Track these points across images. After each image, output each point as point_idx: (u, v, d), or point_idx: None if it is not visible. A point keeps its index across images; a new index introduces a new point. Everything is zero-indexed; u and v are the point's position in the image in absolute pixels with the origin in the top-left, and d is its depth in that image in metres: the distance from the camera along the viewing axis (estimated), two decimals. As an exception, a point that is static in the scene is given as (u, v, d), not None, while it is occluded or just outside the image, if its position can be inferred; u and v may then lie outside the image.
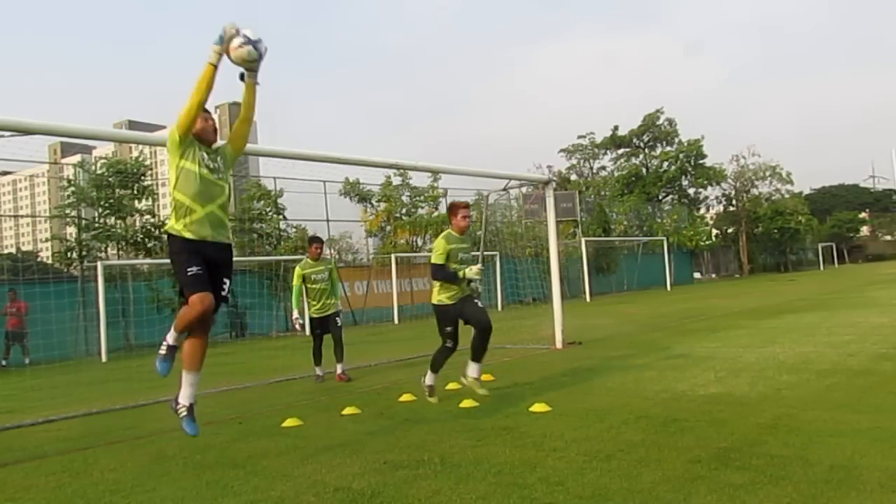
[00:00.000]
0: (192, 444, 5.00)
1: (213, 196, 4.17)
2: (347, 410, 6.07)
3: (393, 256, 24.41)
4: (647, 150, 51.31)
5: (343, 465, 4.27)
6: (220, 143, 4.48)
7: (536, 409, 5.48)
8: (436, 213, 30.31)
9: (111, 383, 10.78)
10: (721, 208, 53.71)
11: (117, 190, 20.86)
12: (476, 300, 6.27)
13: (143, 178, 21.49)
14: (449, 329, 6.16)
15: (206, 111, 4.24)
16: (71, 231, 22.96)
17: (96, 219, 21.30)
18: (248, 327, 20.71)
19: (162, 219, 21.20)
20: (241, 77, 4.19)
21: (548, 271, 11.64)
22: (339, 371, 8.34)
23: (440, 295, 6.21)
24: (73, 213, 21.56)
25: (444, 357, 6.27)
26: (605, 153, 52.79)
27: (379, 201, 29.76)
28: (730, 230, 53.08)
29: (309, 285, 8.46)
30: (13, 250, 69.31)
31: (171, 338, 4.21)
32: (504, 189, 12.75)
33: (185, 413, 4.17)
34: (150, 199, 21.71)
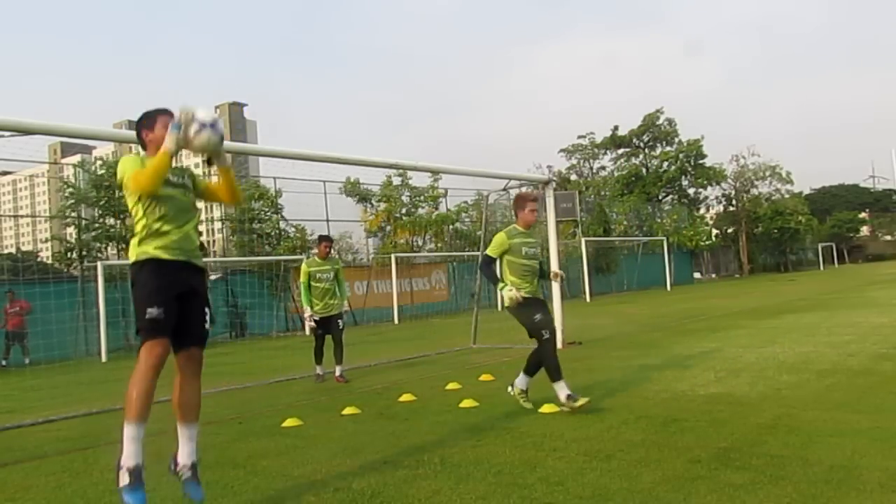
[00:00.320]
0: (192, 444, 5.00)
1: (188, 216, 3.60)
2: (347, 410, 6.06)
3: (393, 256, 24.40)
4: (647, 150, 51.30)
5: (343, 465, 4.27)
6: (184, 164, 3.92)
7: (544, 409, 5.48)
8: (436, 213, 30.33)
9: (111, 383, 10.77)
10: (721, 208, 53.73)
11: (116, 190, 20.87)
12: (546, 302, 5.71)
13: None
14: (538, 317, 5.46)
15: (171, 118, 3.57)
16: (70, 232, 22.97)
17: (96, 219, 21.33)
18: (248, 327, 20.71)
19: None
20: (208, 162, 3.66)
21: (548, 271, 11.64)
22: (337, 373, 8.34)
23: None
24: (73, 213, 21.59)
25: (553, 353, 5.45)
26: (605, 153, 52.81)
27: (379, 201, 29.78)
28: (730, 230, 53.09)
29: (313, 283, 8.37)
30: (13, 250, 69.29)
31: (128, 453, 3.35)
32: (504, 189, 12.75)
33: (188, 475, 3.53)
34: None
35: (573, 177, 49.42)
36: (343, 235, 32.39)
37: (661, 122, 50.29)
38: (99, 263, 16.82)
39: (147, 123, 3.63)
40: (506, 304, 5.58)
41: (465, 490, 3.58)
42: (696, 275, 45.28)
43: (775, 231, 51.00)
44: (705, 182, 49.61)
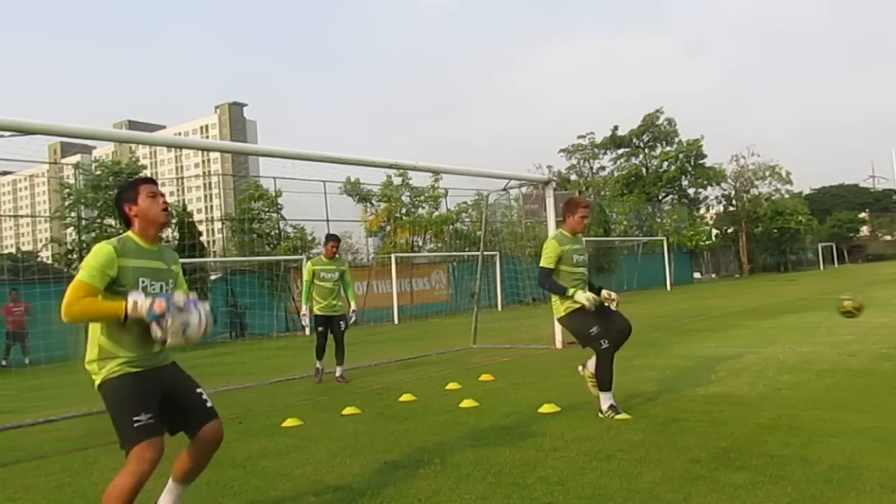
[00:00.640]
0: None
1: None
2: (347, 410, 6.07)
3: (393, 256, 24.41)
4: (646, 150, 51.32)
5: (343, 465, 4.27)
6: (164, 245, 3.30)
7: (544, 409, 5.48)
8: (436, 214, 30.35)
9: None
10: (721, 208, 53.73)
11: (115, 190, 20.92)
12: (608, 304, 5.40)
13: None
14: (594, 330, 5.14)
15: (155, 186, 3.21)
16: (69, 232, 23.01)
17: (94, 220, 21.35)
18: (248, 327, 20.71)
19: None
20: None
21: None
22: (337, 373, 8.32)
23: (566, 302, 5.28)
24: (73, 214, 21.63)
25: (609, 364, 5.14)
26: (605, 153, 52.85)
27: (379, 201, 29.80)
28: (730, 230, 53.09)
29: (318, 282, 8.23)
30: (13, 250, 69.28)
31: None
32: (504, 189, 12.76)
33: None
34: None
35: (573, 177, 49.49)
36: (343, 235, 32.40)
37: (660, 122, 50.32)
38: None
39: (128, 196, 3.14)
40: (586, 307, 5.14)
41: (465, 490, 3.58)
42: (696, 275, 45.29)
43: (775, 231, 50.99)
44: (705, 182, 49.62)
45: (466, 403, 5.98)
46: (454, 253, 28.60)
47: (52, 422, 6.74)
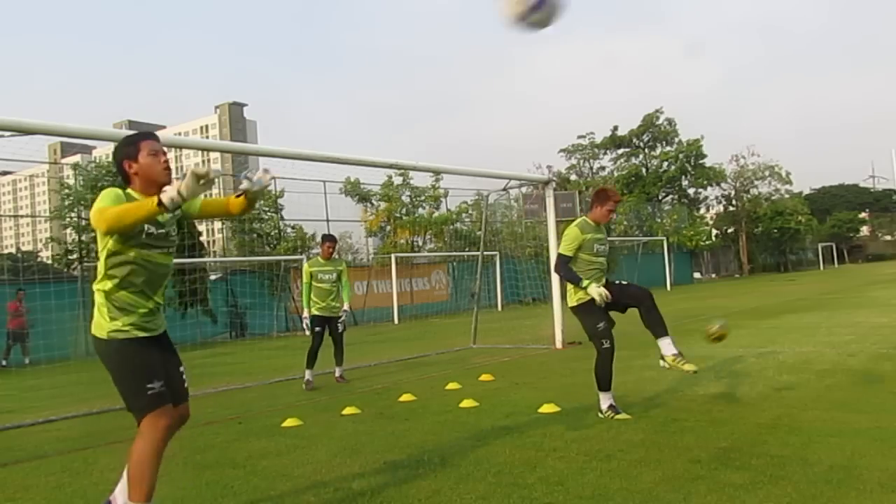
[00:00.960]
0: (192, 444, 5.01)
1: (162, 281, 3.16)
2: (347, 410, 6.06)
3: (393, 256, 24.42)
4: (646, 150, 51.32)
5: (343, 465, 4.27)
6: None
7: (544, 409, 5.48)
8: (436, 214, 30.35)
9: (111, 383, 10.77)
10: (721, 208, 53.74)
11: None
12: (619, 280, 5.37)
13: None
14: (601, 326, 5.13)
15: (157, 142, 3.12)
16: (69, 233, 23.00)
17: None
18: (248, 327, 20.72)
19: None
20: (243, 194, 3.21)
21: (548, 271, 11.65)
22: (337, 373, 8.31)
23: (578, 293, 5.21)
24: (73, 215, 21.61)
25: (608, 364, 5.14)
26: (605, 153, 52.79)
27: (379, 201, 29.80)
28: (730, 230, 53.10)
29: (315, 284, 8.14)
30: (13, 250, 69.28)
31: None
32: (504, 189, 12.75)
33: None
34: None
35: (573, 177, 49.36)
36: (343, 235, 32.42)
37: (660, 122, 50.33)
38: (99, 264, 16.81)
39: (129, 152, 3.04)
40: (596, 302, 5.08)
41: (465, 490, 3.58)
42: (696, 275, 45.29)
43: (775, 231, 51.01)
44: (705, 182, 49.64)
45: (466, 403, 5.97)
46: (454, 253, 28.60)
47: (52, 422, 6.74)
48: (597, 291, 5.06)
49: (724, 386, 6.11)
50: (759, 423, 4.61)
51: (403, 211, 29.86)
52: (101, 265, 3.05)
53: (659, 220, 43.03)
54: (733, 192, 51.75)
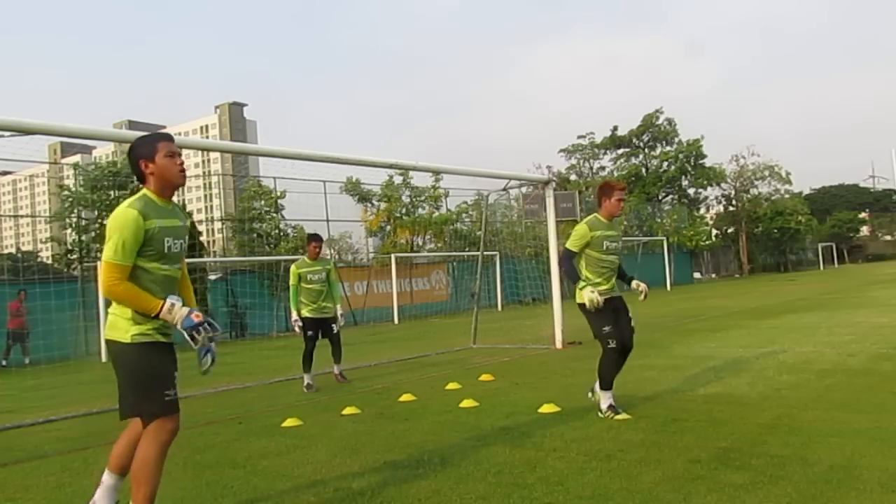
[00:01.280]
0: (192, 444, 5.01)
1: (176, 283, 3.22)
2: (347, 410, 6.06)
3: (393, 256, 24.41)
4: (646, 150, 51.29)
5: (343, 465, 4.27)
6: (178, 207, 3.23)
7: (544, 409, 5.48)
8: (436, 214, 30.35)
9: (111, 383, 10.72)
10: (721, 208, 53.72)
11: (113, 191, 20.93)
12: (628, 309, 5.30)
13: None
14: (607, 329, 5.10)
15: (173, 144, 3.15)
16: (69, 233, 23.02)
17: (94, 220, 21.35)
18: (248, 327, 20.72)
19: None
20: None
21: (548, 271, 11.65)
22: (336, 372, 8.28)
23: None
24: (73, 214, 21.63)
25: (613, 365, 5.12)
26: (605, 153, 52.75)
27: (379, 201, 29.80)
28: (730, 230, 53.09)
29: (304, 285, 7.97)
30: (13, 250, 69.30)
31: None
32: (504, 189, 12.76)
33: None
34: None
35: (573, 177, 49.38)
36: (343, 235, 32.49)
37: (660, 122, 50.29)
38: (99, 264, 16.81)
39: (146, 152, 3.06)
40: (586, 306, 5.07)
41: (465, 490, 3.58)
42: (696, 275, 45.27)
43: (775, 231, 51.00)
44: (705, 182, 49.61)
45: (466, 403, 5.97)
46: (454, 253, 28.61)
47: (52, 422, 6.74)
48: (589, 297, 5.03)
49: (724, 386, 6.11)
50: (759, 423, 4.61)
51: (403, 211, 29.86)
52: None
53: (659, 220, 43.01)
54: (733, 192, 51.75)
